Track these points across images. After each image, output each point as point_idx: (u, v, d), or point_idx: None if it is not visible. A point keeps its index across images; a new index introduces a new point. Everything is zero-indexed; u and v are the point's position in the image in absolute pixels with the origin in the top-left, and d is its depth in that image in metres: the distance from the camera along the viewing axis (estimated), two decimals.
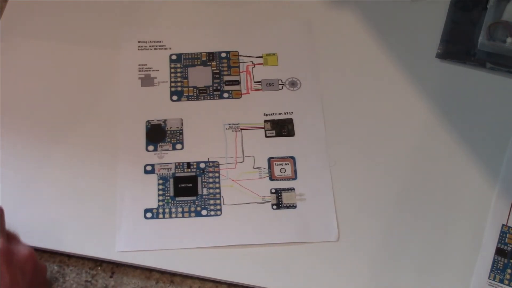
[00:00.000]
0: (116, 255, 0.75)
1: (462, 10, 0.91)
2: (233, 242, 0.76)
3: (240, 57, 0.89)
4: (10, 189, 0.77)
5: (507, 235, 0.76)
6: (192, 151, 0.82)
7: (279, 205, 0.79)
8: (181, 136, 0.83)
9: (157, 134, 0.83)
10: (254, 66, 0.88)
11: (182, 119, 0.84)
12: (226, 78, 0.87)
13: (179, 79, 0.87)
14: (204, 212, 0.78)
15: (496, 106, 0.85)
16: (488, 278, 0.74)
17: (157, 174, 0.80)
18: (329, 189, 0.79)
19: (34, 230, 0.73)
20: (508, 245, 0.76)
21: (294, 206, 0.79)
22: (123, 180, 0.79)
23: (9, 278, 0.61)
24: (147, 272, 0.75)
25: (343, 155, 0.82)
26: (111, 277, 0.74)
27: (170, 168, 0.80)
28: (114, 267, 0.75)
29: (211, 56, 0.88)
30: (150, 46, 0.89)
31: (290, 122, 0.84)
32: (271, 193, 0.79)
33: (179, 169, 0.80)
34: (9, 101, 0.85)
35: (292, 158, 0.81)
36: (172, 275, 0.75)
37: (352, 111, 0.85)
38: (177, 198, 0.79)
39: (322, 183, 0.80)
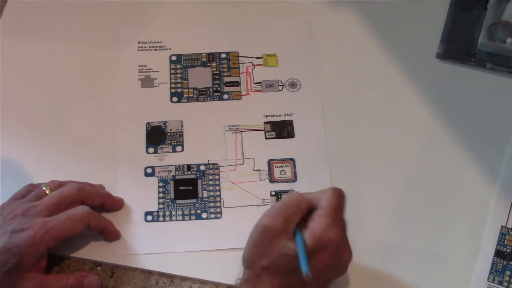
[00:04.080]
0: (117, 258, 0.75)
1: (462, 10, 0.91)
2: (233, 245, 0.76)
3: (240, 58, 0.89)
4: (10, 190, 0.77)
5: (507, 236, 0.76)
6: (192, 153, 0.82)
7: None
8: (181, 138, 0.83)
9: (157, 136, 0.83)
10: (254, 67, 0.88)
11: (182, 121, 0.84)
12: (226, 79, 0.87)
13: (179, 80, 0.87)
14: (204, 214, 0.78)
15: (496, 106, 0.85)
16: (487, 280, 0.74)
17: (157, 176, 0.80)
18: None
19: None
20: (507, 246, 0.76)
21: None
22: (123, 183, 0.80)
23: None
24: (147, 272, 0.75)
25: (343, 157, 0.82)
26: (111, 277, 0.75)
27: (171, 171, 0.81)
28: (114, 267, 0.75)
29: (211, 56, 0.88)
30: (150, 47, 0.89)
31: (290, 123, 0.84)
32: (271, 195, 0.79)
33: (179, 172, 0.81)
34: (8, 101, 0.85)
35: (292, 160, 0.81)
36: (172, 276, 0.75)
37: (352, 112, 0.85)
38: (178, 201, 0.79)
39: (322, 184, 0.79)
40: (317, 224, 0.65)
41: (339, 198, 0.67)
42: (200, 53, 0.89)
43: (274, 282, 0.65)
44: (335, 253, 0.66)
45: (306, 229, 0.66)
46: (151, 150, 0.82)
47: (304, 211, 0.67)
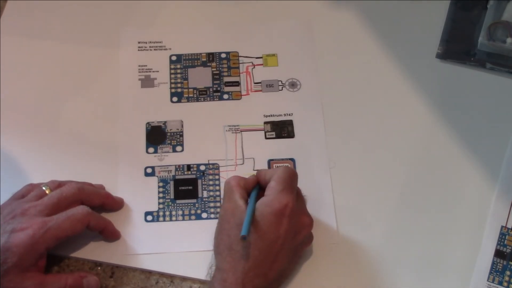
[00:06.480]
0: (117, 258, 0.75)
1: (462, 10, 0.91)
2: None
3: (240, 58, 0.89)
4: (10, 190, 0.77)
5: (506, 236, 0.76)
6: (192, 153, 0.82)
7: None
8: (181, 138, 0.83)
9: (157, 136, 0.83)
10: (254, 67, 0.88)
11: (182, 121, 0.84)
12: (226, 79, 0.87)
13: (179, 80, 0.87)
14: (204, 215, 0.78)
15: (496, 106, 0.85)
16: (487, 280, 0.74)
17: (157, 176, 0.80)
18: (329, 191, 0.79)
19: None
20: (507, 246, 0.76)
21: None
22: (123, 183, 0.80)
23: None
24: (147, 272, 0.75)
25: (343, 157, 0.82)
26: (111, 277, 0.75)
27: (171, 171, 0.81)
28: (114, 267, 0.75)
29: (211, 56, 0.88)
30: (150, 47, 0.89)
31: (290, 123, 0.84)
32: None
33: (179, 172, 0.81)
34: (8, 100, 0.85)
35: (292, 160, 0.81)
36: (172, 276, 0.75)
37: (352, 112, 0.85)
38: (178, 201, 0.79)
39: (322, 184, 0.80)
40: (269, 192, 0.70)
41: (288, 172, 0.71)
42: (200, 53, 0.89)
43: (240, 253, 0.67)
44: (292, 218, 0.69)
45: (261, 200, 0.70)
46: (151, 150, 0.82)
47: (248, 187, 0.72)
